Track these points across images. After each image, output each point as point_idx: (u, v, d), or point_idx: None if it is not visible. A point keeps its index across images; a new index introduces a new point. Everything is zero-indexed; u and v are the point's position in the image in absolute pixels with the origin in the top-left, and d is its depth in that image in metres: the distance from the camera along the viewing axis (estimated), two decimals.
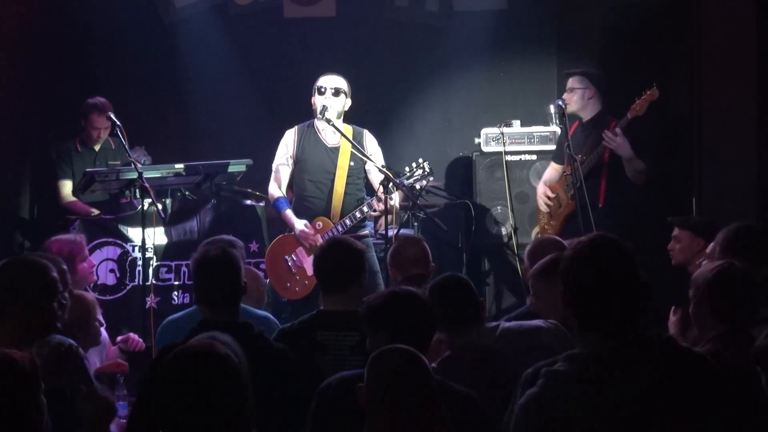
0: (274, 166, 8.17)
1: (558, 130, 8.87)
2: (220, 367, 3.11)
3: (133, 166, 7.87)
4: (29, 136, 9.38)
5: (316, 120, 8.02)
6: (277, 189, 8.13)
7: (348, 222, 7.69)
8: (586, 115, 8.47)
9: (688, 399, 3.36)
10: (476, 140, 9.26)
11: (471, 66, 10.24)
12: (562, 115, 8.35)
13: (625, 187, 8.16)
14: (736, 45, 7.93)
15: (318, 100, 7.97)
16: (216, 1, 10.27)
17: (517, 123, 9.16)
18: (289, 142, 8.14)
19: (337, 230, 7.58)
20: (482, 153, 9.16)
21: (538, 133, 9.09)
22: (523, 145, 9.10)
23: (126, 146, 8.07)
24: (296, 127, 8.20)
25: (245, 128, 9.83)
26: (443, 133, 9.62)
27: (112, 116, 8.22)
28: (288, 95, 9.64)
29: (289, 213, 7.99)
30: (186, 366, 3.11)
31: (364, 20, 10.19)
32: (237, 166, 8.32)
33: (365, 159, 7.80)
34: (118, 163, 8.45)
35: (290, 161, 8.10)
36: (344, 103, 8.02)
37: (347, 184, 7.93)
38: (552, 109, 8.93)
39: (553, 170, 8.50)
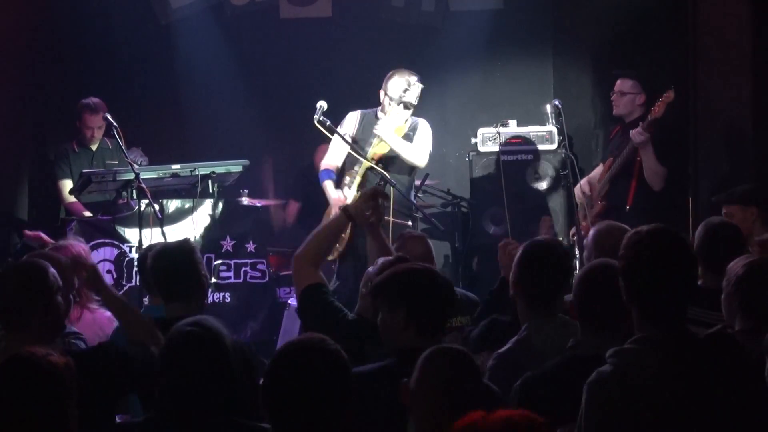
0: (331, 145, 8.15)
1: (554, 129, 8.88)
2: (335, 362, 3.13)
3: (130, 166, 7.92)
4: (27, 138, 9.41)
5: (379, 110, 7.94)
6: (327, 161, 8.11)
7: None
8: (631, 118, 8.44)
9: (738, 390, 3.42)
10: (473, 140, 9.27)
11: (467, 66, 10.25)
12: (558, 115, 8.37)
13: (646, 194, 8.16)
14: (732, 44, 7.94)
15: (406, 89, 7.82)
16: (212, 2, 10.27)
17: (513, 123, 9.17)
18: (351, 122, 8.10)
19: None
20: (479, 153, 9.16)
21: (535, 133, 9.07)
22: (519, 145, 9.11)
23: (123, 147, 8.11)
24: (360, 111, 8.16)
25: (242, 129, 9.83)
26: (440, 133, 9.60)
27: (109, 117, 8.26)
28: (284, 96, 9.66)
29: (327, 183, 7.96)
30: (303, 360, 3.11)
31: (360, 20, 10.21)
32: (233, 167, 8.34)
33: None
34: (116, 163, 8.46)
35: (340, 145, 8.02)
36: (417, 90, 7.88)
37: (365, 174, 7.83)
38: (548, 108, 8.94)
39: (598, 169, 8.48)
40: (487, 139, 9.09)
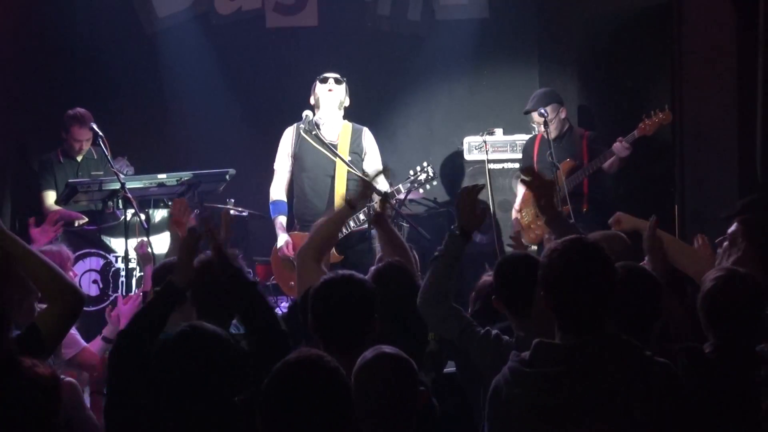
0: (275, 166, 8.23)
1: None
2: (335, 380, 3.10)
3: (116, 176, 7.90)
4: (10, 147, 9.36)
5: (314, 116, 8.01)
6: (275, 191, 8.23)
7: (352, 224, 7.52)
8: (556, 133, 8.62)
9: (641, 394, 3.42)
10: (459, 148, 9.29)
11: (453, 75, 10.32)
12: (546, 124, 8.40)
13: (608, 194, 8.20)
14: (716, 53, 7.97)
15: (320, 90, 8.08)
16: (198, 11, 10.34)
17: (499, 131, 9.20)
18: (287, 140, 8.19)
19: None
20: (465, 161, 9.18)
21: (521, 142, 9.09)
22: (506, 154, 9.14)
23: (108, 156, 8.08)
24: (294, 124, 8.23)
25: (228, 138, 9.89)
26: (426, 142, 9.66)
27: (95, 126, 8.23)
28: (270, 105, 9.70)
29: (278, 221, 8.11)
30: (301, 379, 3.10)
31: (346, 29, 10.28)
32: (220, 176, 8.33)
33: (362, 156, 7.97)
34: (101, 173, 8.46)
35: (289, 160, 8.14)
36: (345, 93, 8.11)
37: (348, 180, 7.90)
38: (535, 117, 8.96)
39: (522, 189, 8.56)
40: (474, 148, 9.14)
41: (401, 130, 9.46)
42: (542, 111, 8.43)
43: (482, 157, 8.93)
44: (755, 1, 6.96)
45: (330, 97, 8.03)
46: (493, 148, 9.07)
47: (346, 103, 8.17)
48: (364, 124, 8.18)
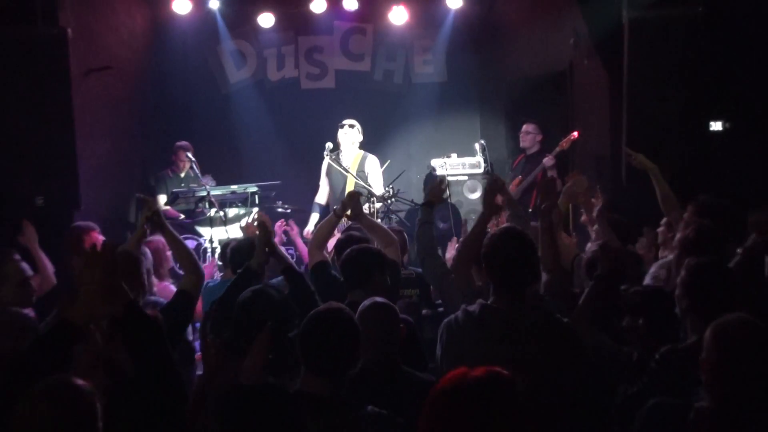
0: (321, 183, 8.33)
1: (481, 159, 8.93)
2: (349, 322, 3.08)
3: (204, 187, 7.98)
4: (136, 168, 9.41)
5: (332, 146, 8.00)
6: (316, 197, 8.31)
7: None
8: (532, 151, 8.54)
9: (547, 342, 3.31)
10: (428, 166, 9.30)
11: (423, 118, 10.37)
12: (484, 150, 8.44)
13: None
14: (595, 101, 8.00)
15: (339, 133, 8.09)
16: (256, 79, 10.39)
17: (454, 155, 9.20)
18: (324, 165, 8.19)
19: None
20: (432, 175, 9.19)
21: (468, 162, 9.14)
22: (458, 170, 9.15)
23: (199, 174, 8.18)
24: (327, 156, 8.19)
25: (276, 162, 9.81)
26: (406, 162, 9.61)
27: (190, 155, 8.34)
28: (303, 139, 9.58)
29: (313, 216, 8.10)
30: (328, 321, 3.06)
31: (353, 90, 10.27)
32: (272, 187, 8.42)
33: (366, 174, 8.00)
34: (195, 185, 8.48)
35: (325, 178, 8.18)
36: (358, 133, 8.10)
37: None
38: (477, 146, 9.00)
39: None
40: (438, 166, 9.13)
41: (390, 154, 9.41)
42: (481, 142, 8.48)
43: (444, 172, 8.92)
44: (620, 69, 6.98)
45: (345, 137, 8.05)
46: (451, 167, 9.07)
47: (360, 138, 8.15)
48: (368, 152, 8.24)
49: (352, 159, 8.08)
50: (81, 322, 2.49)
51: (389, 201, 7.85)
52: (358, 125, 8.18)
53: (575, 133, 8.06)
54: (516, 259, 3.40)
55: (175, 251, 4.59)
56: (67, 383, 2.33)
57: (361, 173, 7.97)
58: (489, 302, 3.41)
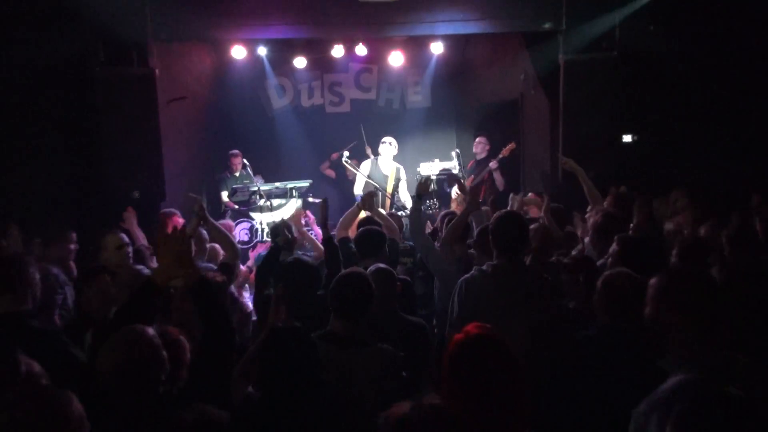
0: (357, 179, 8.05)
1: (457, 165, 8.90)
2: (366, 281, 3.05)
3: (255, 184, 7.96)
4: (205, 170, 9.38)
5: (377, 157, 7.91)
6: (355, 190, 8.02)
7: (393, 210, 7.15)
8: (481, 156, 8.47)
9: (538, 296, 3.35)
10: (418, 169, 9.29)
11: (414, 133, 10.22)
12: (458, 156, 8.40)
13: (495, 191, 8.20)
14: (539, 122, 7.99)
15: (382, 147, 7.88)
16: (293, 105, 10.32)
17: (437, 161, 9.17)
18: (366, 164, 8.01)
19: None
20: (421, 174, 9.14)
21: (448, 165, 9.03)
22: (440, 171, 9.10)
23: (251, 174, 8.15)
24: (369, 159, 8.10)
25: (307, 165, 9.73)
26: (402, 166, 9.64)
27: (245, 160, 8.32)
28: (328, 150, 9.56)
29: (357, 204, 7.89)
30: (352, 279, 3.03)
31: (362, 112, 10.15)
32: (305, 183, 8.34)
33: (399, 180, 7.80)
34: (248, 182, 8.47)
35: (361, 177, 7.94)
36: (394, 149, 7.88)
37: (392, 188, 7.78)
38: (453, 154, 8.95)
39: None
40: (425, 168, 9.10)
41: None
42: (457, 150, 8.45)
43: (429, 172, 8.90)
44: (558, 97, 6.97)
45: (386, 149, 7.87)
46: (435, 169, 9.02)
47: (395, 152, 7.94)
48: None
49: (391, 169, 7.82)
50: (160, 284, 2.51)
51: (395, 194, 7.78)
52: (395, 142, 7.89)
53: (512, 144, 8.02)
54: (513, 232, 3.42)
55: (216, 235, 4.54)
56: (137, 331, 2.29)
57: (397, 179, 7.83)
58: (495, 263, 3.42)
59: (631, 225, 4.73)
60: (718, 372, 2.03)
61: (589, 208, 5.21)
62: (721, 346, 2.09)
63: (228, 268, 4.07)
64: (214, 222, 4.52)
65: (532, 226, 4.11)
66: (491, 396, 1.94)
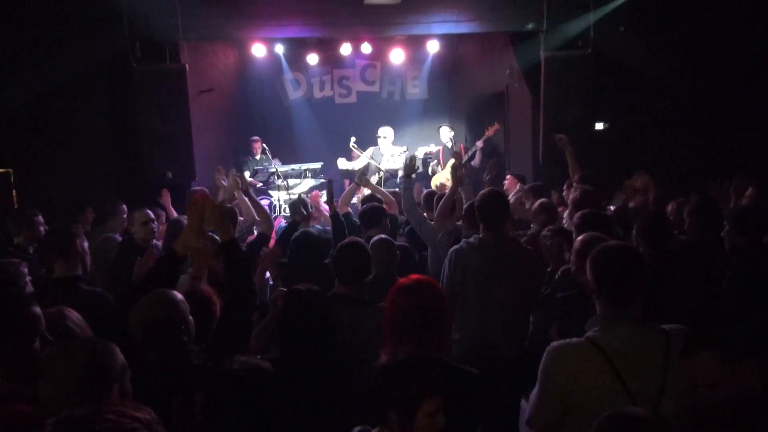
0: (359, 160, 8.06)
1: (450, 144, 8.78)
2: (365, 249, 3.07)
3: (273, 166, 7.94)
4: (231, 155, 9.38)
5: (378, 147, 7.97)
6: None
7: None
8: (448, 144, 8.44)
9: (520, 263, 3.34)
10: (416, 153, 9.27)
11: (412, 121, 10.20)
12: (449, 140, 8.35)
13: (474, 173, 8.18)
14: (523, 110, 7.94)
15: (381, 130, 7.95)
16: (306, 97, 10.26)
17: (432, 145, 9.15)
18: (368, 151, 8.03)
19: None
20: (417, 156, 9.12)
21: (438, 148, 9.07)
22: (434, 153, 9.08)
23: (270, 157, 8.13)
24: (371, 148, 8.08)
25: (320, 149, 9.70)
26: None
27: (264, 145, 8.28)
28: (337, 137, 9.49)
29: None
30: (352, 247, 3.02)
31: (368, 103, 10.14)
32: (317, 164, 8.32)
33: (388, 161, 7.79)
34: (267, 164, 8.46)
35: (365, 158, 7.94)
36: (389, 140, 7.95)
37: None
38: (445, 134, 8.85)
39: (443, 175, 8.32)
40: (422, 152, 9.07)
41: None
42: (453, 133, 8.44)
43: (418, 155, 8.81)
44: (539, 89, 6.92)
45: (381, 142, 7.91)
46: (428, 152, 9.01)
47: (392, 140, 8.00)
48: (374, 143, 8.16)
49: (396, 151, 7.93)
50: (181, 252, 2.41)
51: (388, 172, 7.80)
52: (390, 132, 7.99)
53: (497, 125, 7.98)
54: (496, 206, 3.38)
55: (255, 208, 4.54)
56: (164, 295, 2.27)
57: (400, 160, 7.84)
58: (482, 236, 3.40)
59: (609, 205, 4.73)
60: (603, 332, 2.02)
61: (565, 185, 5.25)
62: (631, 313, 2.01)
63: (264, 238, 4.10)
64: (253, 195, 4.54)
65: (536, 203, 4.20)
66: (420, 324, 2.16)
